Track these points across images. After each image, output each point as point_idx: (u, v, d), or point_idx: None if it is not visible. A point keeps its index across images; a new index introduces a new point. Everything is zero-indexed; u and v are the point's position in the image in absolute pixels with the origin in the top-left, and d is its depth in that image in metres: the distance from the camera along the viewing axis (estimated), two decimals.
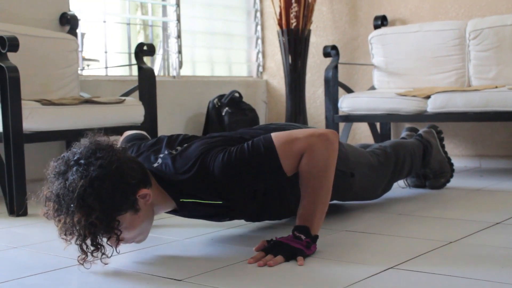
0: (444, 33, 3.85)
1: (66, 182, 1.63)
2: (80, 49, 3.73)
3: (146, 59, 3.61)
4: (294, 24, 4.27)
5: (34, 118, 2.70)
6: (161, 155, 1.90)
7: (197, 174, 1.80)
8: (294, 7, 4.26)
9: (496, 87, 3.38)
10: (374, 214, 2.49)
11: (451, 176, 3.01)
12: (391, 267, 1.64)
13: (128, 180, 1.68)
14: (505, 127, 3.88)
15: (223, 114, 4.17)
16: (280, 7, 4.36)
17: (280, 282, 1.56)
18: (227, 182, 1.79)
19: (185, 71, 4.44)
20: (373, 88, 4.10)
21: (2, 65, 2.59)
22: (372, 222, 2.32)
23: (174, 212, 1.98)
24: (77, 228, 1.62)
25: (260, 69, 4.96)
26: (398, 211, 2.50)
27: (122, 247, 1.81)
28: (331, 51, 3.90)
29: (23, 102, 2.63)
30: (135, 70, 3.69)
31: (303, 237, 1.78)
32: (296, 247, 1.75)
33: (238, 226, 2.25)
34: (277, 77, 4.86)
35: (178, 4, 4.30)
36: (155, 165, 1.87)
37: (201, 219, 2.09)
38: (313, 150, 1.81)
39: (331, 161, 1.84)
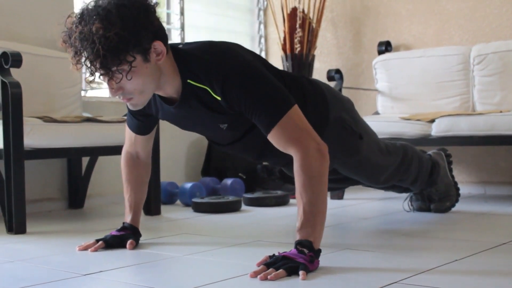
0: (448, 58, 3.84)
1: (95, 2, 1.75)
2: (84, 71, 3.72)
3: None
4: (298, 49, 4.28)
5: (35, 135, 2.68)
6: (183, 43, 1.97)
7: (218, 59, 1.84)
8: (298, 32, 4.27)
9: (501, 111, 3.36)
10: (377, 234, 2.45)
11: (457, 200, 2.97)
12: (396, 282, 1.60)
13: (152, 20, 1.78)
14: (510, 153, 3.85)
15: None
16: (284, 32, 4.37)
17: None
18: (235, 82, 1.80)
19: None
20: (377, 113, 4.08)
21: (5, 80, 2.58)
22: (376, 242, 2.28)
23: (172, 107, 1.96)
24: (93, 39, 1.67)
25: None
26: (402, 232, 2.45)
27: (119, 255, 1.78)
28: (335, 75, 3.90)
29: (24, 118, 2.61)
30: None
31: (306, 251, 1.74)
32: (299, 262, 1.71)
33: (239, 244, 2.22)
34: None
35: (182, 28, 4.31)
36: (179, 46, 1.93)
37: (197, 125, 2.05)
38: (306, 152, 1.80)
39: (323, 170, 1.82)
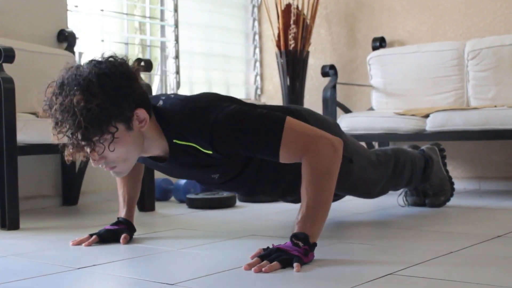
0: (442, 53, 3.84)
1: (75, 70, 1.70)
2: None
3: (143, 78, 3.59)
4: (293, 45, 4.27)
5: (28, 130, 2.66)
6: (164, 97, 1.91)
7: (199, 116, 1.78)
8: (293, 29, 4.26)
9: (495, 106, 3.36)
10: (372, 228, 2.45)
11: (451, 195, 2.96)
12: (391, 273, 1.59)
13: (134, 88, 1.73)
14: (504, 148, 3.85)
15: None
16: (278, 28, 4.36)
17: (276, 286, 1.51)
18: (224, 132, 1.76)
19: (183, 92, 4.42)
20: (371, 109, 4.08)
21: None
22: (371, 235, 2.28)
23: (162, 162, 1.93)
24: (74, 110, 1.62)
25: (258, 91, 4.94)
26: (397, 225, 2.45)
27: (111, 250, 1.77)
28: (329, 71, 3.89)
29: (17, 114, 2.60)
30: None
31: (301, 244, 1.73)
32: (293, 254, 1.70)
33: (234, 238, 2.21)
34: (275, 100, 4.84)
35: (176, 25, 4.30)
36: (158, 104, 1.87)
37: (189, 176, 2.04)
38: (317, 152, 1.78)
39: (334, 168, 1.80)
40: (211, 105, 1.81)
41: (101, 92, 1.66)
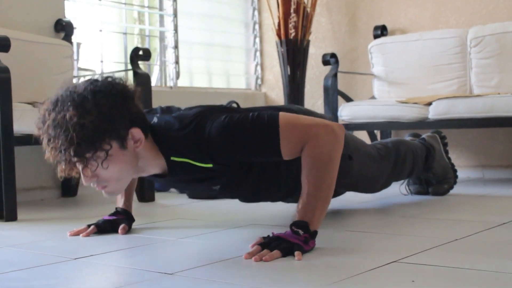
0: (444, 41, 3.79)
1: (72, 88, 1.68)
2: (75, 57, 3.67)
3: (143, 68, 3.54)
4: (293, 34, 4.22)
5: (25, 120, 2.63)
6: (158, 114, 1.87)
7: (193, 132, 1.74)
8: (293, 17, 4.21)
9: (499, 94, 3.31)
10: (375, 216, 2.41)
11: (455, 182, 2.93)
12: (395, 261, 1.55)
13: (129, 107, 1.71)
14: (508, 136, 3.81)
15: None
16: (278, 17, 4.31)
17: (277, 275, 1.48)
18: (221, 144, 1.72)
19: (182, 82, 4.38)
20: (373, 98, 4.04)
21: None
22: (374, 223, 2.24)
23: (162, 177, 1.89)
24: (67, 126, 1.60)
25: (259, 81, 4.90)
26: (400, 214, 2.41)
27: (110, 241, 1.73)
28: (330, 59, 3.85)
29: (14, 104, 2.56)
30: (131, 81, 3.62)
31: (301, 232, 1.69)
32: (293, 242, 1.66)
33: (234, 228, 2.17)
34: (275, 90, 4.80)
35: (175, 14, 4.25)
36: (152, 122, 1.83)
37: (189, 189, 2.02)
38: (317, 140, 1.73)
39: (335, 154, 1.76)
40: (202, 119, 1.76)
41: (95, 109, 1.63)
